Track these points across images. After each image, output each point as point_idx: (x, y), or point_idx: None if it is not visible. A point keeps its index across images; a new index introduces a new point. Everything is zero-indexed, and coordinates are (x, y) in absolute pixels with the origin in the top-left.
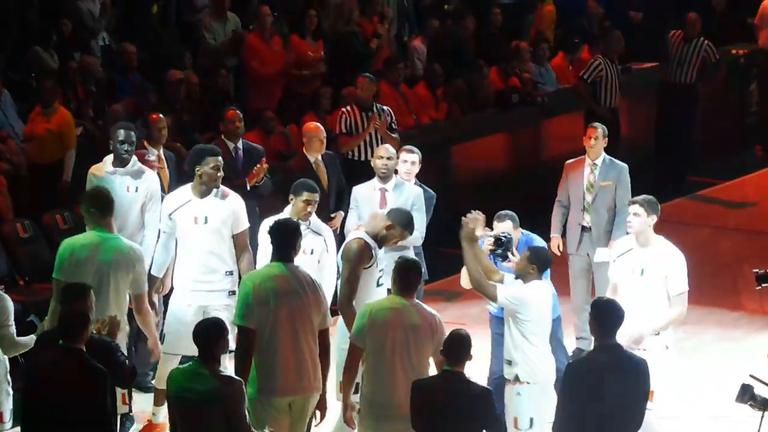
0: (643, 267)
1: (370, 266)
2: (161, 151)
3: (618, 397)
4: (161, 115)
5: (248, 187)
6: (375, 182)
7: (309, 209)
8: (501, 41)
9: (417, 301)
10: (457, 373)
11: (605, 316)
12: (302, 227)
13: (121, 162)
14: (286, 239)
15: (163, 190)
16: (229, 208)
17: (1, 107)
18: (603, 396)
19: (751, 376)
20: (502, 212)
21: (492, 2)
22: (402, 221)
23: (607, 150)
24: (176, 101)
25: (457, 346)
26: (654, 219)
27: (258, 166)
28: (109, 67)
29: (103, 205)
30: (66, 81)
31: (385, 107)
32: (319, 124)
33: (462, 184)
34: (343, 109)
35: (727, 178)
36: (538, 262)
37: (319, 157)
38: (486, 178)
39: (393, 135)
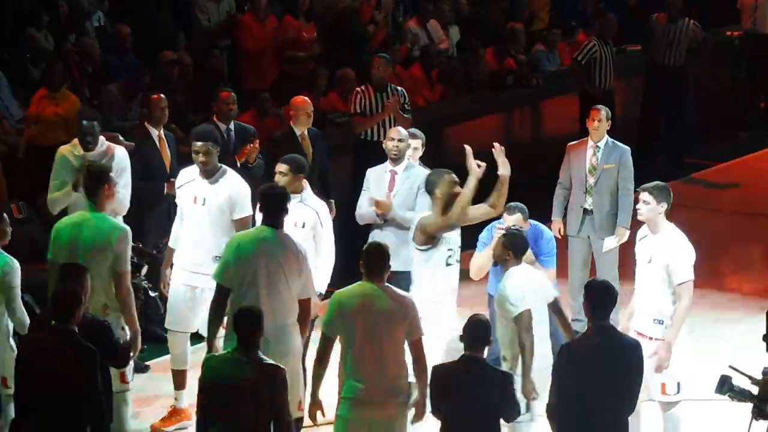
0: (651, 254)
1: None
2: (161, 131)
3: (611, 378)
4: (162, 96)
5: (238, 164)
6: (387, 164)
7: (278, 178)
8: (496, 22)
9: (387, 284)
10: (477, 358)
11: (599, 297)
12: (293, 200)
13: (86, 149)
14: (271, 204)
15: (165, 170)
16: (227, 193)
17: None
18: (596, 377)
19: (731, 366)
20: (512, 204)
21: None
22: (437, 179)
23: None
24: (170, 82)
25: (477, 331)
26: (664, 206)
27: (250, 145)
28: (103, 49)
29: (89, 181)
30: (63, 62)
31: (398, 87)
32: (306, 98)
33: (456, 165)
34: (358, 89)
35: (722, 160)
36: (513, 248)
37: (306, 132)
38: (480, 160)
39: (405, 115)
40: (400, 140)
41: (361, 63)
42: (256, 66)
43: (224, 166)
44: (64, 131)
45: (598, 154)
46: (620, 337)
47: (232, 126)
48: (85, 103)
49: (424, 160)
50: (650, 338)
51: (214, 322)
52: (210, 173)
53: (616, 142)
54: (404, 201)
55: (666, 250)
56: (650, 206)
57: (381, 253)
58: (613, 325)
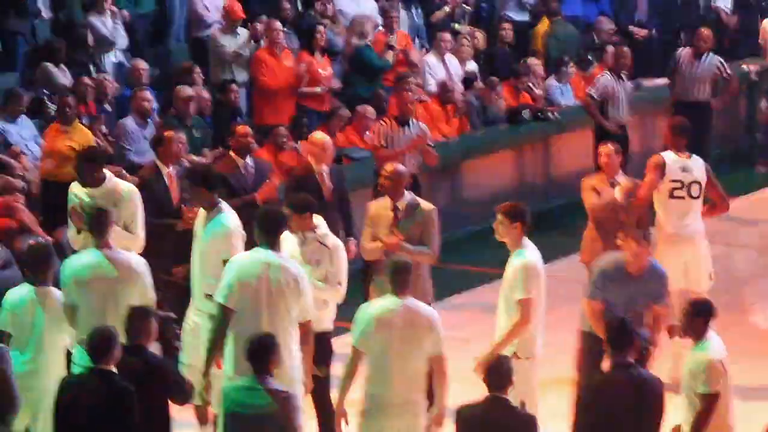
0: (507, 274)
1: None
2: (171, 168)
3: (632, 414)
4: (175, 133)
5: (258, 203)
6: (387, 199)
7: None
8: (512, 57)
9: (413, 299)
10: (502, 398)
11: (616, 334)
12: (308, 237)
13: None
14: (268, 226)
15: (172, 206)
16: (217, 228)
17: (16, 127)
18: (617, 414)
19: None
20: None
21: (502, 18)
22: None
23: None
24: (186, 117)
25: (500, 373)
26: (517, 226)
27: (270, 184)
28: (121, 84)
29: (95, 225)
30: (78, 97)
31: (421, 123)
32: (326, 135)
33: (471, 200)
34: (381, 122)
35: (737, 194)
36: (702, 314)
37: (325, 168)
38: (497, 194)
39: (431, 150)
40: (387, 177)
41: (378, 96)
42: (272, 101)
43: (222, 203)
44: None
45: (618, 189)
46: (640, 373)
47: (249, 161)
48: (101, 139)
49: (436, 195)
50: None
51: (217, 346)
52: (206, 210)
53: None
54: (408, 236)
55: (511, 270)
56: (503, 227)
57: (406, 268)
58: (632, 362)
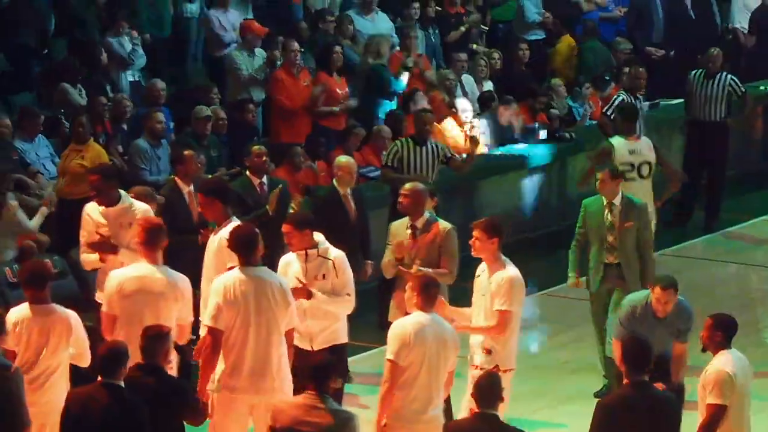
0: (485, 289)
1: None
2: (191, 187)
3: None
4: (194, 153)
5: (270, 213)
6: (407, 219)
7: (285, 240)
8: (528, 77)
9: (437, 315)
10: (492, 415)
11: (633, 353)
12: (311, 253)
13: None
14: (244, 245)
15: (192, 223)
16: (224, 238)
17: (34, 146)
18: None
19: None
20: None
21: (519, 38)
22: None
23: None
24: (203, 137)
25: (490, 389)
26: (495, 241)
27: (274, 191)
28: (138, 103)
29: (150, 239)
30: (95, 116)
31: (438, 143)
32: (351, 158)
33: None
34: (398, 142)
35: (753, 216)
36: (723, 328)
37: (349, 191)
38: (513, 214)
39: (459, 159)
40: (405, 195)
41: (394, 116)
42: (289, 120)
43: (233, 217)
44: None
45: (614, 212)
46: (656, 392)
47: (265, 180)
48: (118, 159)
49: (452, 214)
50: (480, 368)
51: (209, 369)
52: (219, 223)
53: (632, 198)
54: (426, 256)
55: (493, 283)
56: (480, 243)
57: (433, 283)
58: (648, 381)
